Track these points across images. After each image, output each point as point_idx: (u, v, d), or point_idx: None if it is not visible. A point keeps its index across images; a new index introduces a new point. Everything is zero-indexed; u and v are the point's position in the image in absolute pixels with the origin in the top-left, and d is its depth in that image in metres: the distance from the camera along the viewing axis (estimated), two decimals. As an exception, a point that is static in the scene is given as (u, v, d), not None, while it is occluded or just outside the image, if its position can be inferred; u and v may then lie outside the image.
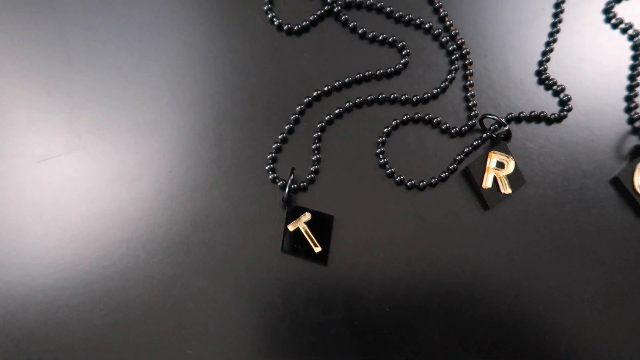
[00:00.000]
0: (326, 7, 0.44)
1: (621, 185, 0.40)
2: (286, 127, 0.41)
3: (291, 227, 0.38)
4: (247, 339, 0.37)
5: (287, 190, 0.37)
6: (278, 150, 0.41)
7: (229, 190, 0.40)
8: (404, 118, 0.42)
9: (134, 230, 0.38)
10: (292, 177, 0.38)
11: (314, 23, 0.44)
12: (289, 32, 0.43)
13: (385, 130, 0.41)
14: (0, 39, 0.42)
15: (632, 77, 0.43)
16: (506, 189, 0.40)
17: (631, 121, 0.42)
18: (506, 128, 0.39)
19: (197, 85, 0.42)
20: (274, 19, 0.43)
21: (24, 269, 0.37)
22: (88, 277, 0.37)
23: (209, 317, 0.37)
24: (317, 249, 0.38)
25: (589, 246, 0.40)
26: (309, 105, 0.42)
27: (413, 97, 0.42)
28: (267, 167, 0.40)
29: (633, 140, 0.42)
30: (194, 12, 0.44)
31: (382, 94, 0.42)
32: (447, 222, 0.40)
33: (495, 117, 0.39)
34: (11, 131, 0.40)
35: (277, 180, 0.39)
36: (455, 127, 0.41)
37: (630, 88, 0.43)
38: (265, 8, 0.44)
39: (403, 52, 0.43)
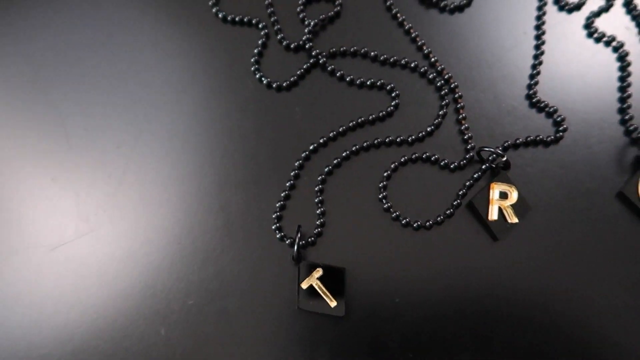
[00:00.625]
0: (311, 60, 0.45)
1: (627, 198, 0.40)
2: (287, 184, 0.41)
3: (304, 285, 0.38)
4: (275, 403, 0.37)
5: (295, 248, 0.38)
6: (282, 208, 0.41)
7: (239, 254, 0.40)
8: (402, 160, 0.42)
9: (151, 307, 0.39)
10: (299, 234, 0.38)
11: (301, 77, 0.45)
12: (279, 88, 0.44)
13: (385, 174, 0.42)
14: (1, 135, 0.43)
15: (622, 89, 0.43)
16: (512, 219, 0.40)
17: (628, 132, 0.42)
18: (504, 159, 0.39)
19: (196, 153, 0.43)
20: (262, 78, 0.44)
21: (49, 358, 0.38)
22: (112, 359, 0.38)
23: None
24: (333, 304, 0.38)
25: (604, 264, 0.40)
26: (307, 159, 0.43)
27: (408, 137, 0.43)
28: (273, 227, 0.40)
29: (633, 152, 0.42)
30: (185, 81, 0.45)
31: (377, 138, 0.43)
32: (458, 258, 0.40)
33: (492, 149, 0.40)
34: (21, 223, 0.41)
35: (285, 238, 0.40)
36: (454, 162, 0.42)
37: (622, 100, 0.43)
38: (252, 69, 0.45)
39: (393, 94, 0.44)
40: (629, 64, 0.44)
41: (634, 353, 0.38)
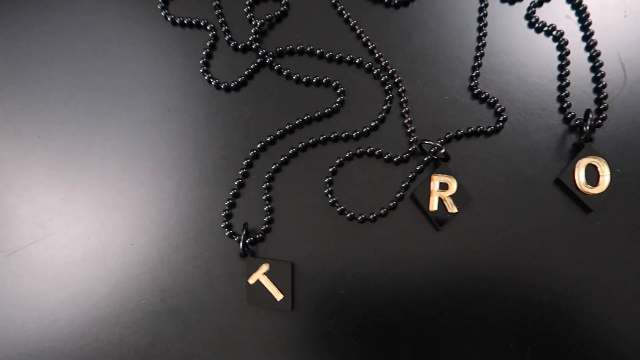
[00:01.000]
0: (259, 60, 0.46)
1: (564, 185, 0.42)
2: (236, 183, 0.43)
3: (251, 280, 0.39)
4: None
5: (241, 244, 0.39)
6: (232, 206, 0.42)
7: (190, 253, 0.41)
8: (347, 155, 0.43)
9: (106, 307, 0.40)
10: (244, 231, 0.40)
11: (249, 76, 0.46)
12: (227, 89, 0.45)
13: (331, 169, 0.43)
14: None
15: (561, 77, 0.44)
16: (452, 209, 0.41)
17: (566, 120, 0.43)
18: (442, 150, 0.41)
19: (147, 156, 0.44)
20: (211, 80, 0.45)
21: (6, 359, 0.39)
22: (67, 359, 0.39)
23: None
24: (280, 297, 0.39)
25: (543, 249, 0.41)
26: (255, 157, 0.44)
27: (354, 132, 0.44)
28: (222, 225, 0.42)
29: (571, 139, 0.43)
30: (135, 85, 0.46)
31: (323, 134, 0.44)
32: (402, 249, 0.41)
33: (431, 142, 0.41)
34: None
35: (234, 235, 0.41)
36: (397, 156, 0.43)
37: (561, 88, 0.44)
38: (201, 70, 0.46)
39: (338, 90, 0.45)
40: (568, 53, 0.45)
41: (574, 334, 0.39)
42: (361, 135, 0.44)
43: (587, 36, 0.45)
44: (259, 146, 0.44)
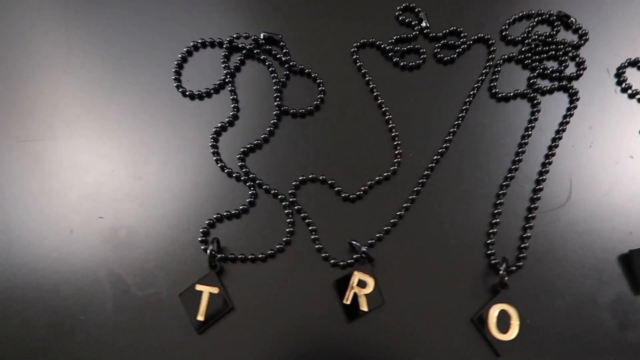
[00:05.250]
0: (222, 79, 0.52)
1: (477, 326, 0.44)
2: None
3: (198, 287, 0.44)
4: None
5: (210, 258, 0.44)
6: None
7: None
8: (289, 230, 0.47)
9: (67, 211, 0.46)
10: (216, 245, 0.45)
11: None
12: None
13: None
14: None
15: (491, 225, 0.47)
16: (363, 307, 0.44)
17: (487, 256, 0.46)
18: (363, 249, 0.44)
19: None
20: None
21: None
22: (26, 240, 0.45)
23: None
24: (200, 318, 0.43)
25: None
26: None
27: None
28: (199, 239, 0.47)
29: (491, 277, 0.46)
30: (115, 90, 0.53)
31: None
32: (312, 329, 0.44)
33: (358, 244, 0.45)
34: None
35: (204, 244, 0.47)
36: (327, 253, 0.47)
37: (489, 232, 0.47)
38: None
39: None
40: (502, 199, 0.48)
41: None
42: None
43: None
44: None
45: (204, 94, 0.53)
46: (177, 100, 0.53)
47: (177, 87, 0.53)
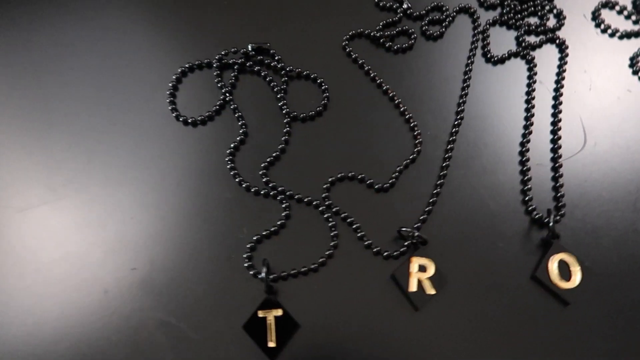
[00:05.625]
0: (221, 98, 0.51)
1: (539, 280, 0.44)
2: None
3: (260, 314, 0.42)
4: None
5: (265, 281, 0.42)
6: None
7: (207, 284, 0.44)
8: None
9: (98, 270, 0.44)
10: (266, 268, 0.43)
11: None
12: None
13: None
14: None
15: (522, 173, 0.48)
16: (430, 290, 0.44)
17: (528, 212, 0.47)
18: (416, 234, 0.44)
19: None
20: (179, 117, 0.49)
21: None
22: (59, 310, 0.42)
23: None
24: (271, 344, 0.41)
25: (519, 341, 0.43)
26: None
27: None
28: (245, 263, 0.44)
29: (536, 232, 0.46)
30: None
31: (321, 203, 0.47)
32: (384, 326, 0.43)
33: (409, 230, 0.44)
34: None
35: (252, 269, 0.45)
36: (377, 247, 0.46)
37: (524, 183, 0.48)
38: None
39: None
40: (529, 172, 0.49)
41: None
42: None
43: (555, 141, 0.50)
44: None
45: (206, 119, 0.51)
46: (180, 130, 0.50)
47: (177, 117, 0.51)
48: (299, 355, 0.43)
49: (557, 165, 0.49)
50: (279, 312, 0.43)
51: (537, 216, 0.46)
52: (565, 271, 0.44)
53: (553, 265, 0.44)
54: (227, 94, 0.51)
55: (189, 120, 0.50)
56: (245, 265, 0.45)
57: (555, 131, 0.50)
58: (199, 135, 0.50)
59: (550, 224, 0.45)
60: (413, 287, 0.44)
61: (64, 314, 0.43)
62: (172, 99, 0.51)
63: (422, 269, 0.44)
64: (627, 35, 0.54)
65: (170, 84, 0.52)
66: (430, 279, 0.44)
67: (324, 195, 0.47)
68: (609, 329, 0.43)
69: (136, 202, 0.47)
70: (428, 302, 0.44)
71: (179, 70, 0.53)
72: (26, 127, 0.50)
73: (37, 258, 0.45)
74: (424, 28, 0.55)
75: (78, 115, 0.50)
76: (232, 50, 0.53)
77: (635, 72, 0.52)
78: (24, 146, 0.49)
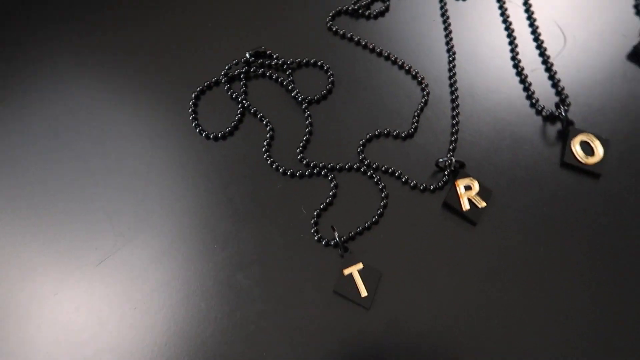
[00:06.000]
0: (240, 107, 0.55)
1: (569, 165, 0.50)
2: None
3: (346, 272, 0.46)
4: None
5: (340, 243, 0.47)
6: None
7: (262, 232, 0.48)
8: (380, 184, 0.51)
9: (188, 288, 0.48)
10: (336, 233, 0.48)
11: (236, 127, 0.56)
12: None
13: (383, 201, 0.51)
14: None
15: (520, 74, 0.54)
16: (481, 204, 0.49)
17: (538, 112, 0.52)
18: (453, 160, 0.49)
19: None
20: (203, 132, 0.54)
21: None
22: (169, 324, 0.45)
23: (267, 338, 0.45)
24: (364, 294, 0.46)
25: (568, 228, 0.48)
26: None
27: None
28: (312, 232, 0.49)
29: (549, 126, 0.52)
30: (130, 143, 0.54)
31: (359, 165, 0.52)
32: (447, 250, 0.48)
33: (445, 158, 0.49)
34: (69, 246, 0.51)
35: (322, 240, 0.49)
36: (422, 184, 0.51)
37: (524, 85, 0.53)
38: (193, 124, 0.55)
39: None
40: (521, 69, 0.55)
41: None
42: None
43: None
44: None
45: (233, 129, 0.55)
46: (213, 146, 0.55)
47: (207, 137, 0.55)
48: (387, 300, 0.47)
49: (549, 65, 0.54)
50: (360, 266, 0.47)
51: (548, 113, 0.52)
52: (588, 149, 0.50)
53: (576, 148, 0.50)
54: (244, 101, 0.56)
55: (219, 135, 0.55)
56: (316, 238, 0.49)
57: (537, 38, 0.56)
58: (232, 146, 0.55)
59: (562, 115, 0.50)
60: (466, 205, 0.49)
61: (175, 334, 0.47)
62: (196, 122, 0.55)
63: (468, 188, 0.50)
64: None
65: (190, 110, 0.56)
66: (478, 194, 0.49)
67: (360, 157, 0.52)
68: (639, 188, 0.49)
69: (198, 221, 0.51)
70: (482, 215, 0.49)
71: (193, 95, 0.57)
72: (74, 189, 0.53)
73: (131, 297, 0.48)
74: (392, -12, 0.60)
75: (119, 165, 0.54)
76: (234, 62, 0.58)
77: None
78: (83, 202, 0.52)
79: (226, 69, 0.58)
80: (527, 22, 0.57)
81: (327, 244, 0.49)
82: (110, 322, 0.48)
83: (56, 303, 0.49)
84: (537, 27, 0.56)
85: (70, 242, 0.51)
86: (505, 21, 0.57)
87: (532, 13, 0.56)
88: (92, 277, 0.50)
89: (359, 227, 0.50)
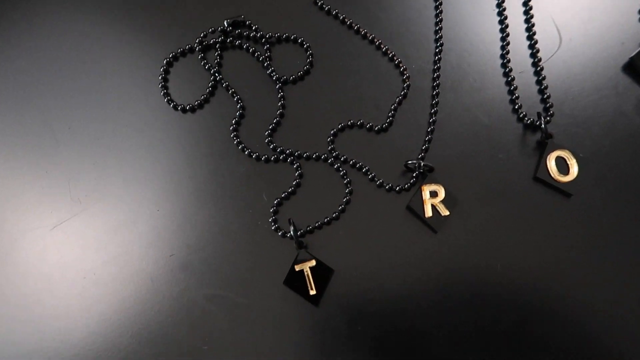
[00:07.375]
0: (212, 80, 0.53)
1: (542, 180, 0.48)
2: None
3: (297, 268, 0.46)
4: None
5: (295, 238, 0.46)
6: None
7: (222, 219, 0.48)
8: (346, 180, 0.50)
9: (139, 263, 0.48)
10: (293, 226, 0.47)
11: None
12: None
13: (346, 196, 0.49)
14: None
15: (509, 83, 0.51)
16: (444, 212, 0.47)
17: (520, 120, 0.50)
18: (422, 163, 0.47)
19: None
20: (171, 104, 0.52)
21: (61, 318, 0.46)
22: (117, 306, 0.47)
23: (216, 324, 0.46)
24: (312, 292, 0.45)
25: (532, 237, 0.47)
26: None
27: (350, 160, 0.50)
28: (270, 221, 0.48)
29: (529, 135, 0.50)
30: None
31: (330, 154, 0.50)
32: (405, 255, 0.47)
33: (414, 161, 0.47)
34: (22, 209, 0.50)
35: (279, 230, 0.48)
36: (388, 184, 0.49)
37: (511, 92, 0.51)
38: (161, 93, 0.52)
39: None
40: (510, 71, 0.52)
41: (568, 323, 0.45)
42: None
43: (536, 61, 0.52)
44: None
45: (202, 102, 0.53)
46: (180, 118, 0.53)
47: (175, 107, 0.53)
48: (337, 296, 0.47)
49: (538, 69, 0.51)
50: (313, 263, 0.47)
51: (529, 121, 0.49)
52: (563, 166, 0.48)
53: (551, 163, 0.48)
54: (217, 74, 0.53)
55: (187, 107, 0.52)
56: (273, 228, 0.48)
57: (531, 36, 0.52)
58: (200, 119, 0.53)
59: (542, 126, 0.47)
60: (429, 212, 0.48)
61: (121, 308, 0.47)
62: (165, 90, 0.53)
63: (434, 194, 0.48)
64: None
65: (159, 77, 0.53)
66: (443, 202, 0.48)
67: (329, 147, 0.50)
68: (611, 209, 0.47)
69: (157, 195, 0.50)
70: (444, 223, 0.48)
71: (164, 61, 0.54)
72: (34, 148, 0.52)
73: (82, 266, 0.48)
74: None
75: (81, 126, 0.52)
76: (210, 30, 0.55)
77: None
78: (38, 166, 0.51)
79: (201, 37, 0.55)
80: (524, 18, 0.53)
81: (284, 235, 0.48)
82: (59, 289, 0.48)
83: (6, 264, 0.49)
84: (533, 25, 0.52)
85: (26, 203, 0.50)
86: (500, 13, 0.53)
87: (530, 8, 0.52)
88: (45, 241, 0.49)
89: (318, 222, 0.48)
